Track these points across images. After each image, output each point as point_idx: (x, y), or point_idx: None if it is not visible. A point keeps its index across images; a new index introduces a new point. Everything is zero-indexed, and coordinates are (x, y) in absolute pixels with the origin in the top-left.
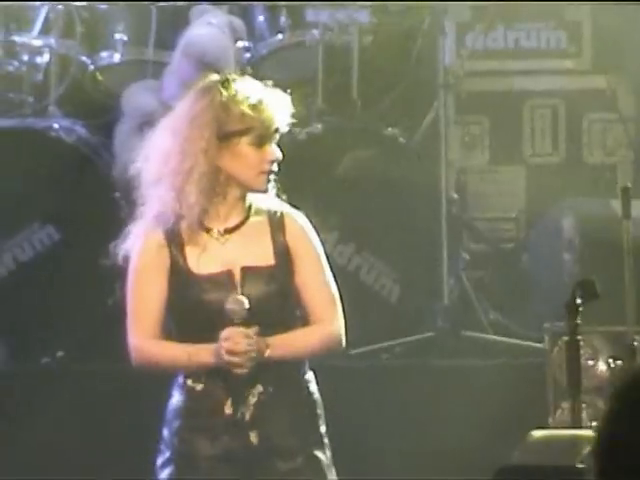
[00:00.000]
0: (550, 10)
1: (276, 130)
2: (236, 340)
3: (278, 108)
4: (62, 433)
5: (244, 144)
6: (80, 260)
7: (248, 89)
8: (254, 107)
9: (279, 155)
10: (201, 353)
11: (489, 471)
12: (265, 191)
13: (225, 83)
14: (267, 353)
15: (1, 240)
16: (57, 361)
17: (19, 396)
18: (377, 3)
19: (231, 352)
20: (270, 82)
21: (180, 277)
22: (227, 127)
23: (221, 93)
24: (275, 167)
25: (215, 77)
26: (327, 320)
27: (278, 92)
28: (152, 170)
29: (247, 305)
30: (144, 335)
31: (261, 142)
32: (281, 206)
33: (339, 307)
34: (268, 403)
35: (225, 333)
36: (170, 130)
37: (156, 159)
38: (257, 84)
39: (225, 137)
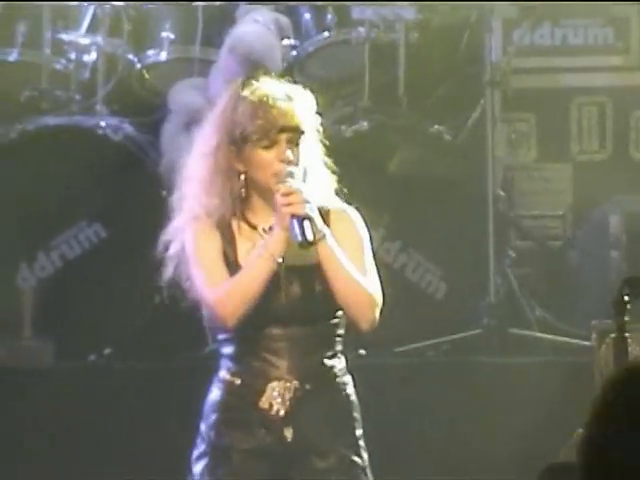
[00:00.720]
0: (597, 7)
1: (283, 130)
2: (289, 185)
3: (284, 108)
4: (108, 429)
5: (253, 147)
6: (127, 258)
7: (260, 90)
8: (256, 110)
9: (288, 155)
10: (269, 234)
11: (536, 469)
12: None
13: (244, 84)
14: (325, 233)
15: (49, 238)
16: (104, 358)
17: (66, 393)
18: None
19: (285, 193)
20: (316, 80)
21: (229, 269)
22: (235, 132)
23: (236, 96)
24: (292, 168)
25: (239, 80)
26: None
27: (298, 90)
28: (187, 169)
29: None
30: (218, 285)
31: (269, 144)
32: (330, 202)
33: (378, 298)
34: (304, 400)
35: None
36: (201, 129)
37: (189, 159)
38: (275, 84)
39: (234, 142)
